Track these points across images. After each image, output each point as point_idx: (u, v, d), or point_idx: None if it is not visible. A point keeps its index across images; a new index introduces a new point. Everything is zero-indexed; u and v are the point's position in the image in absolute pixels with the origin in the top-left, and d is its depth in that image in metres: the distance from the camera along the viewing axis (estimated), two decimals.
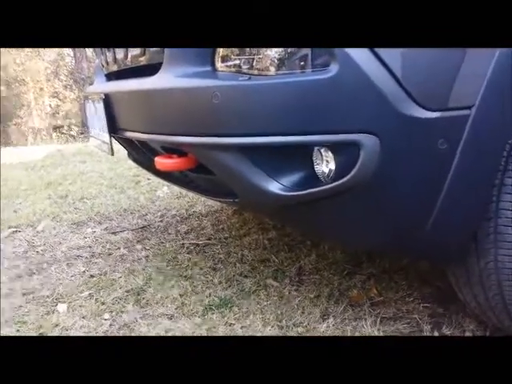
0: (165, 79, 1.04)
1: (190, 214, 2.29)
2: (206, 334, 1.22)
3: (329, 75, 0.86)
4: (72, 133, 12.57)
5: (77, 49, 11.37)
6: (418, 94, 0.86)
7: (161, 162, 1.14)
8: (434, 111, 0.86)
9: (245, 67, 0.96)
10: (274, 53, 0.92)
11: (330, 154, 0.93)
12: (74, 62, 12.72)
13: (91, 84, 1.75)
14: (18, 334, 1.28)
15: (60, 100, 13.33)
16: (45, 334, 1.27)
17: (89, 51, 11.03)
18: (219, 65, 0.98)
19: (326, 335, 1.19)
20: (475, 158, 0.90)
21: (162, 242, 1.92)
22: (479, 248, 0.99)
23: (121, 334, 1.25)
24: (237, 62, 0.97)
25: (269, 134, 0.92)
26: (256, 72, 0.94)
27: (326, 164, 0.94)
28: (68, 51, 13.67)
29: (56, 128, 13.34)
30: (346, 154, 0.91)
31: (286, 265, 1.61)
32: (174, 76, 1.02)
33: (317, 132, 0.90)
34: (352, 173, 0.90)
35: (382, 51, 0.85)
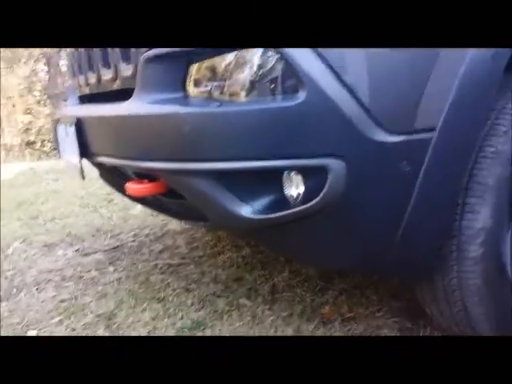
0: (137, 105, 1.05)
1: (164, 232, 2.28)
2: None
3: (297, 102, 0.89)
4: (45, 149, 12.34)
5: (51, 65, 11.20)
6: (382, 118, 0.89)
7: (132, 187, 1.15)
8: (399, 135, 0.89)
9: (216, 93, 0.98)
10: (244, 79, 0.95)
11: (299, 177, 0.95)
12: (47, 77, 12.55)
13: (65, 100, 1.75)
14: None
15: (33, 116, 13.09)
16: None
17: (63, 67, 10.86)
18: (191, 90, 1.00)
19: (327, 335, 1.19)
20: (438, 179, 0.93)
21: (135, 263, 1.90)
22: (443, 265, 1.02)
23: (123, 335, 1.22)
24: (208, 87, 0.99)
25: (240, 160, 0.94)
26: (227, 98, 0.96)
27: (295, 187, 0.96)
28: (42, 67, 13.46)
29: (29, 144, 13.05)
30: (314, 177, 0.93)
31: (259, 283, 1.62)
32: (145, 102, 1.03)
33: (286, 157, 0.92)
34: (320, 196, 0.92)
35: (348, 76, 0.88)
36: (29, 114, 13.48)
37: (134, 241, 2.19)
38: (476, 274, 0.99)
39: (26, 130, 13.52)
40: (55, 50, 1.99)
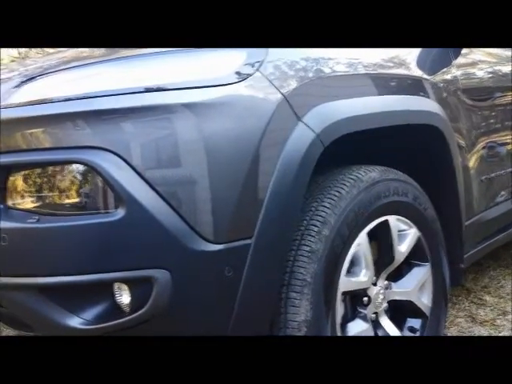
0: None
1: None
2: None
3: (116, 218, 0.91)
4: None
5: None
6: (202, 229, 0.94)
7: None
8: (218, 244, 0.95)
9: (36, 205, 0.96)
10: (64, 194, 0.95)
11: (127, 288, 0.96)
12: None
13: None
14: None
15: None
16: None
17: None
18: (10, 202, 0.97)
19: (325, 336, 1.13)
20: (260, 278, 1.00)
21: None
22: None
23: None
24: (27, 200, 0.97)
25: (63, 274, 0.94)
26: (46, 212, 0.95)
27: (124, 298, 0.97)
28: None
29: None
30: (141, 288, 0.95)
31: None
32: None
33: (111, 270, 0.93)
34: (147, 306, 0.94)
35: (167, 192, 0.92)
36: None
37: None
38: None
39: None
40: None
